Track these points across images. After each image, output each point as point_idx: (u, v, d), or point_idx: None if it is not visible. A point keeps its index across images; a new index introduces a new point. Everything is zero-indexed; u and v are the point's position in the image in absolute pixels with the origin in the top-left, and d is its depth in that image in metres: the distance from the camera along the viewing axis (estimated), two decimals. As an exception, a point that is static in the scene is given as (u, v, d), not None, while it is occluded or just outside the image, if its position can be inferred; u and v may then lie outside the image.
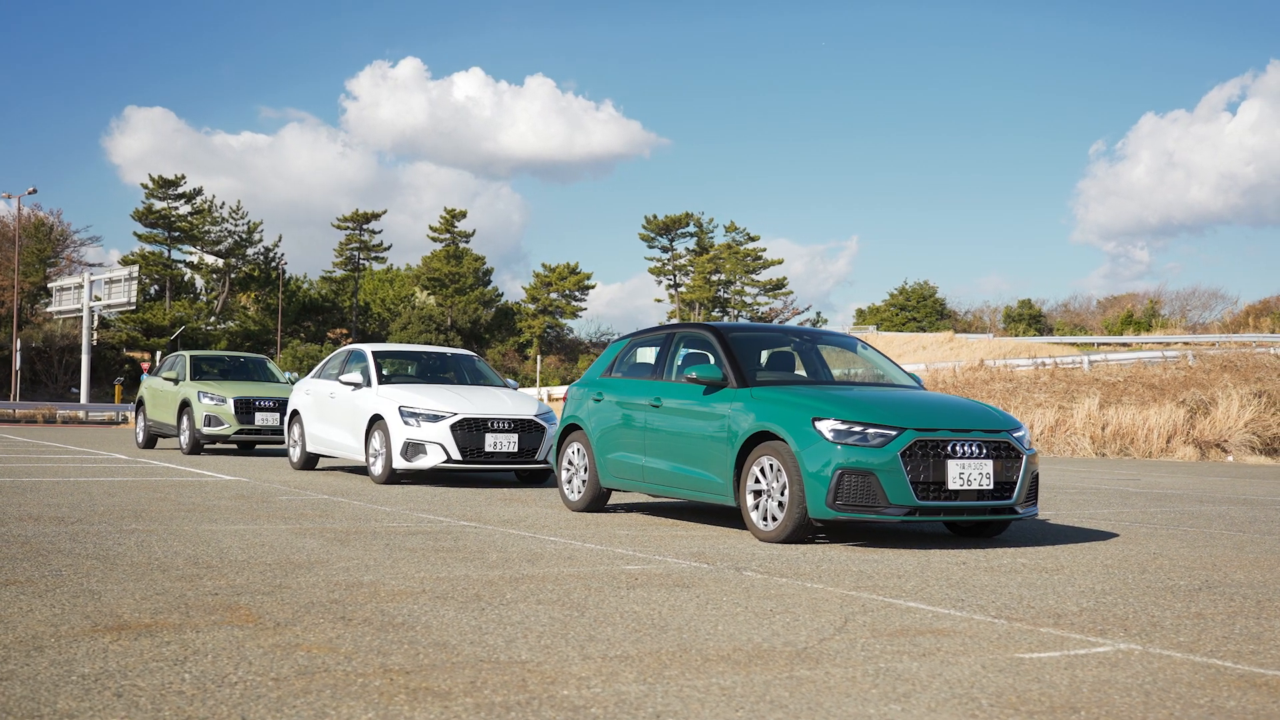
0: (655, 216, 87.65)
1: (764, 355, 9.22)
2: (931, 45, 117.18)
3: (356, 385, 13.36)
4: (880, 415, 7.53)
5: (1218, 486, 15.89)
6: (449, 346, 17.84)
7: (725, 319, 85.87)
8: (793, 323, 79.88)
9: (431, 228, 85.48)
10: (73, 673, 3.62)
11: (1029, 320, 79.38)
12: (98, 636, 4.17)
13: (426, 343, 73.86)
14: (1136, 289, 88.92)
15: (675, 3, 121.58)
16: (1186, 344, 47.44)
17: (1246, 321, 58.28)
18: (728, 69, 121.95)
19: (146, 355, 70.00)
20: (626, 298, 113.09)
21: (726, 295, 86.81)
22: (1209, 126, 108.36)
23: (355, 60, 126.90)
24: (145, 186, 75.86)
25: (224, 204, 78.21)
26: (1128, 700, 3.57)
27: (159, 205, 76.09)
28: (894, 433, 7.41)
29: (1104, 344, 56.11)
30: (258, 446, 20.69)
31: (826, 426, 7.48)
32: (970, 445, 7.53)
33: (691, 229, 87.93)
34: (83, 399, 60.21)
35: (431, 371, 14.34)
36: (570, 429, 10.12)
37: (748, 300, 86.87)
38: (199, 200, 77.11)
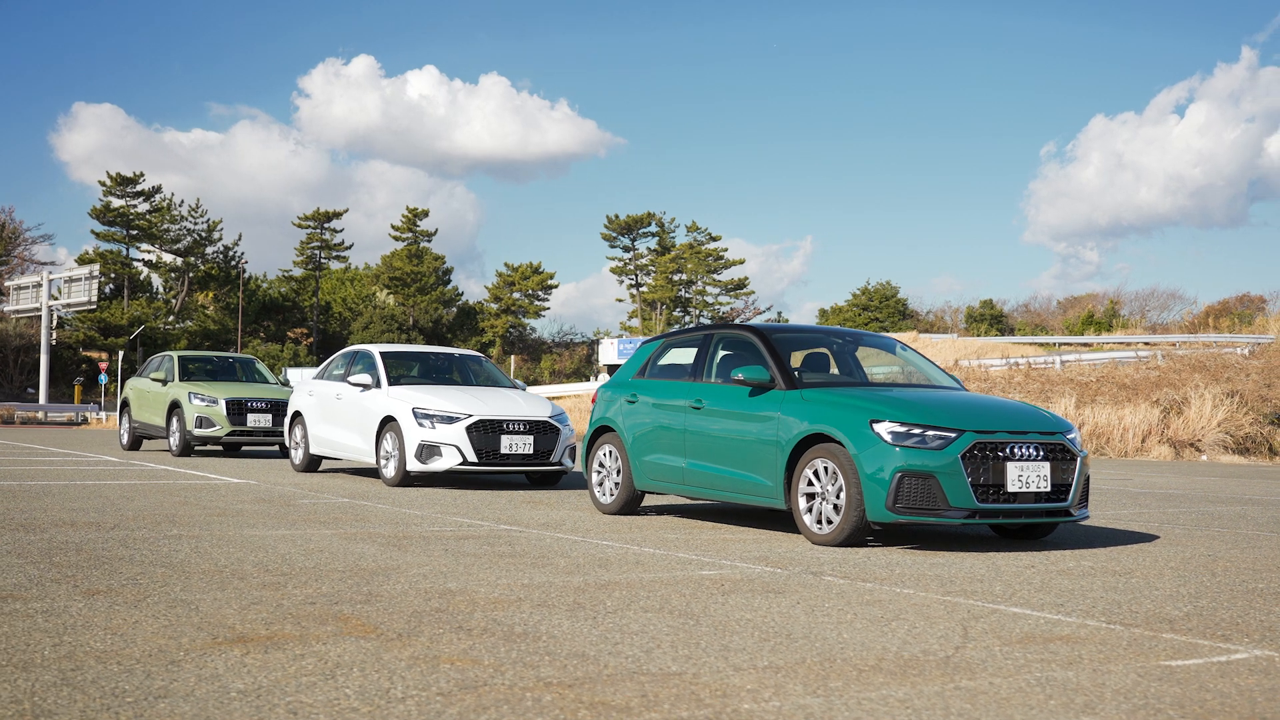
0: (617, 216, 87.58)
1: (801, 356, 9.16)
2: (883, 48, 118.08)
3: (365, 386, 13.15)
4: (938, 417, 7.49)
5: (1212, 486, 16.04)
6: (454, 348, 17.73)
7: (688, 318, 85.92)
8: (755, 322, 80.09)
9: (394, 226, 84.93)
10: (229, 689, 3.48)
11: (991, 320, 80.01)
12: (225, 649, 4.02)
13: (390, 342, 73.37)
14: (1091, 289, 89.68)
15: (630, 4, 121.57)
16: (1148, 344, 47.92)
17: (1206, 322, 59.03)
18: (681, 70, 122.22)
19: (104, 355, 68.94)
20: (582, 297, 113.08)
21: (688, 295, 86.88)
22: (1157, 129, 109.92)
23: (308, 57, 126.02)
24: (103, 184, 74.74)
25: (183, 202, 77.28)
26: (1310, 709, 3.53)
27: (117, 203, 74.99)
28: (954, 435, 7.36)
29: (1066, 344, 56.59)
30: (245, 448, 20.40)
31: (885, 429, 7.42)
32: (1027, 447, 7.50)
33: (653, 229, 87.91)
34: (41, 399, 59.26)
35: (438, 373, 14.13)
36: (601, 431, 10.00)
37: (709, 300, 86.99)
38: (158, 199, 76.10)
